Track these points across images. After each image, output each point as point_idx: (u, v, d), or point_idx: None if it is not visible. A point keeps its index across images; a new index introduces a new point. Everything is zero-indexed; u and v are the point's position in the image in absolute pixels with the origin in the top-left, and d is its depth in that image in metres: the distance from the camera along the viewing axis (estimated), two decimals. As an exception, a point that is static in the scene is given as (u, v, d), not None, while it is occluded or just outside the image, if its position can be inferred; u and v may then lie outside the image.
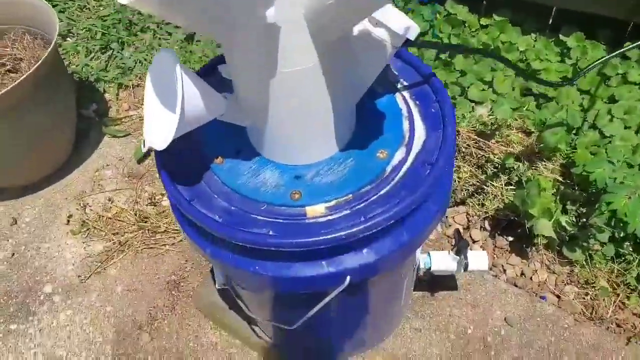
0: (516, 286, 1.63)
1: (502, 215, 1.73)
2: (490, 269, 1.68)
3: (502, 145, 1.73)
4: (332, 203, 0.86)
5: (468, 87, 2.00)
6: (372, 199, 0.84)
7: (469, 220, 1.79)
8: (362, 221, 0.81)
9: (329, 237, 0.79)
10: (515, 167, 1.67)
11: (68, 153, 2.19)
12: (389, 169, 0.90)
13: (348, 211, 0.83)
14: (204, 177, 0.93)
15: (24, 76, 1.65)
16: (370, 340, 1.30)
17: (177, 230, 1.88)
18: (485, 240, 1.74)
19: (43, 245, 1.92)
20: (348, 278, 0.86)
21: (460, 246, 1.33)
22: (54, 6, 2.99)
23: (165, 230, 1.88)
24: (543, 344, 1.47)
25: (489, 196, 1.74)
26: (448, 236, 1.76)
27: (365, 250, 0.86)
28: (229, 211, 0.86)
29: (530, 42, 2.06)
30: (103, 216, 1.95)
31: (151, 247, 1.85)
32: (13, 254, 1.90)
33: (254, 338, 1.40)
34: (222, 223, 0.84)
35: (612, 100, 1.83)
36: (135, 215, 1.90)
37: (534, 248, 1.66)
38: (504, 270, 1.68)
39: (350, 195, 0.86)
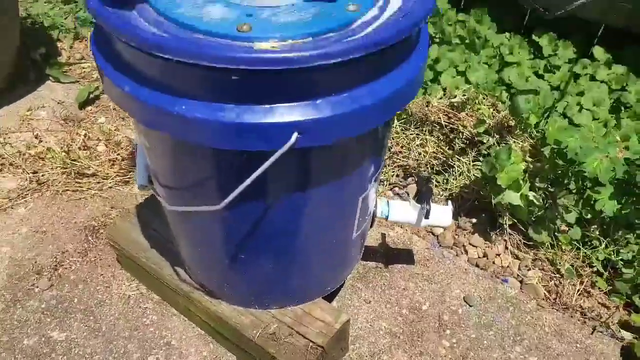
0: (477, 267, 1.47)
1: (467, 194, 1.60)
2: (451, 248, 1.53)
3: (472, 118, 1.63)
4: (287, 42, 0.69)
5: (441, 73, 1.93)
6: (333, 45, 0.68)
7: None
8: (320, 55, 0.65)
9: (279, 59, 0.63)
10: (485, 141, 1.56)
11: (0, 84, 1.94)
12: (358, 22, 0.75)
13: (305, 53, 0.67)
14: (136, 8, 0.75)
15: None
16: (312, 287, 1.10)
17: (107, 175, 1.64)
18: (447, 221, 1.59)
19: (-58, 177, 1.64)
20: (295, 135, 0.69)
21: (422, 193, 1.17)
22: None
23: (94, 174, 1.64)
24: (503, 326, 1.31)
25: (455, 173, 1.62)
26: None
27: (319, 101, 0.69)
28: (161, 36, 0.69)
29: (505, 40, 2.03)
30: (24, 153, 1.70)
31: (74, 190, 1.61)
32: None
33: (175, 282, 1.17)
34: (155, 34, 0.66)
35: (581, 94, 1.78)
36: (64, 154, 1.66)
37: (498, 231, 1.52)
38: (466, 251, 1.53)
39: (310, 38, 0.71)
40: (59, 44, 2.26)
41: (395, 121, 1.73)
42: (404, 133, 1.71)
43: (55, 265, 1.40)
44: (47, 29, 2.28)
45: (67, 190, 1.61)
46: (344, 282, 1.39)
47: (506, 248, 1.51)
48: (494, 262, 1.49)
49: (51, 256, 1.42)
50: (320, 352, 1.04)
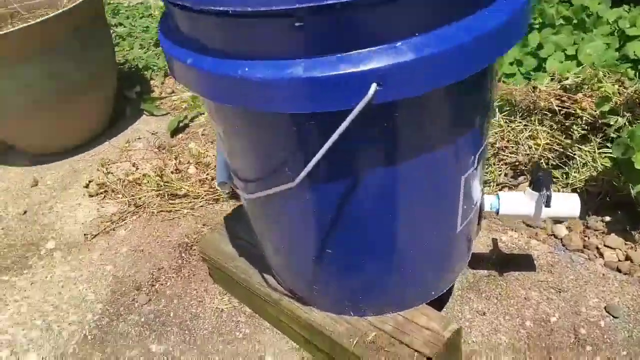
0: (619, 271, 1.22)
1: (594, 188, 1.35)
2: (580, 251, 1.28)
3: (593, 99, 1.39)
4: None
5: (546, 60, 1.72)
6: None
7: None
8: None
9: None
10: (612, 122, 1.32)
11: (102, 124, 2.10)
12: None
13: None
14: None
15: (61, 10, 1.58)
16: (413, 289, 0.95)
17: (198, 194, 1.65)
18: (574, 222, 1.35)
19: (57, 205, 1.76)
20: (373, 87, 0.58)
21: (540, 178, 0.99)
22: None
23: (185, 194, 1.66)
24: (664, 342, 1.04)
25: (576, 165, 1.38)
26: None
27: (399, 44, 0.58)
28: None
29: (623, 13, 1.77)
30: (124, 180, 1.77)
31: (168, 211, 1.63)
32: (25, 212, 1.75)
33: (264, 290, 1.09)
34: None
35: None
36: (157, 178, 1.71)
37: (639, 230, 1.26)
38: (600, 254, 1.27)
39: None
40: (151, 82, 2.41)
41: (497, 113, 1.54)
42: (509, 126, 1.52)
43: (152, 282, 1.39)
44: (141, 70, 2.46)
45: (162, 211, 1.63)
46: (451, 291, 1.21)
47: (655, 249, 1.24)
48: None
49: (148, 273, 1.42)
50: (428, 364, 0.89)
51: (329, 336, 0.97)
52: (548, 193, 0.96)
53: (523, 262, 1.26)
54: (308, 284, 0.98)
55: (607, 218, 1.32)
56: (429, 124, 0.70)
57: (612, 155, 1.30)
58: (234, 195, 1.61)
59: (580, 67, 1.58)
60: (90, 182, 1.82)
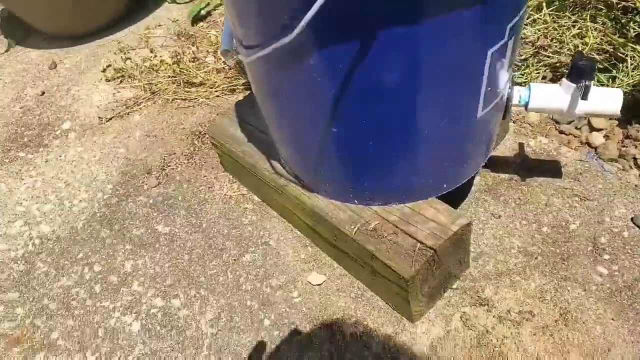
0: (654, 183, 1.12)
1: (641, 94, 1.22)
2: (615, 161, 1.19)
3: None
4: None
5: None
6: None
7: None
8: None
9: None
10: (674, 19, 1.16)
11: (123, 9, 2.01)
12: None
13: None
14: None
15: None
16: (423, 179, 0.89)
17: (214, 84, 1.59)
18: (612, 130, 1.24)
19: (74, 88, 1.73)
20: None
21: (580, 67, 0.87)
22: None
23: (201, 83, 1.60)
24: (691, 256, 0.97)
25: (627, 68, 1.24)
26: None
27: None
28: None
29: None
30: (141, 66, 1.72)
31: (183, 99, 1.58)
32: (43, 93, 1.73)
33: (271, 175, 1.05)
34: None
35: None
36: (175, 65, 1.65)
37: (687, 140, 1.14)
38: (637, 165, 1.17)
39: None
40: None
41: (544, 8, 1.38)
42: (555, 22, 1.36)
43: (163, 166, 1.38)
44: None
45: (177, 98, 1.59)
46: (467, 192, 1.15)
47: (698, 163, 1.13)
48: (678, 180, 1.12)
49: (160, 158, 1.41)
50: (431, 255, 0.85)
51: (330, 222, 0.94)
52: (587, 83, 0.85)
53: (549, 168, 1.18)
54: (313, 167, 0.93)
55: (651, 128, 1.20)
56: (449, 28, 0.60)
57: (668, 57, 1.15)
58: (248, 87, 1.54)
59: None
60: (108, 66, 1.78)
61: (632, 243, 1.01)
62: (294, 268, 1.08)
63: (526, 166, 1.19)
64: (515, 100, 0.95)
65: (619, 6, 1.26)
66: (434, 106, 0.75)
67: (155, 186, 1.33)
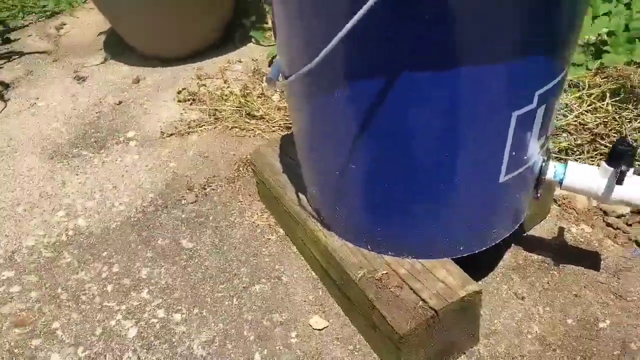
0: None
1: None
2: (663, 265, 1.09)
3: None
4: None
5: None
6: None
7: None
8: None
9: None
10: None
11: (212, 42, 2.20)
12: None
13: None
14: None
15: None
16: (438, 237, 0.87)
17: (273, 118, 1.66)
18: (665, 232, 1.15)
19: (147, 103, 1.88)
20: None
21: (619, 151, 0.83)
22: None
23: (262, 117, 1.68)
24: None
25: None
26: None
27: None
28: None
29: None
30: (212, 94, 1.84)
31: (242, 128, 1.67)
32: (120, 102, 1.89)
33: (295, 207, 1.07)
34: None
35: None
36: (242, 97, 1.75)
37: None
38: (687, 274, 1.07)
39: None
40: (267, 15, 2.45)
41: (607, 98, 1.34)
42: (617, 113, 1.32)
43: (205, 186, 1.44)
44: (260, 1, 2.50)
45: (236, 127, 1.67)
46: (494, 266, 1.10)
47: None
48: None
49: (204, 177, 1.47)
50: (431, 316, 0.81)
51: (339, 263, 0.93)
52: (623, 168, 0.81)
53: (586, 259, 1.10)
54: (331, 204, 0.94)
55: None
56: (473, 27, 0.61)
57: None
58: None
59: None
60: (183, 89, 1.92)
61: (667, 357, 0.91)
62: (299, 308, 1.07)
63: (562, 252, 1.13)
64: (549, 175, 0.92)
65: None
66: (453, 160, 0.75)
67: (192, 202, 1.39)
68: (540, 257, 1.12)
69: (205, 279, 1.16)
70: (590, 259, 1.10)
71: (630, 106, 1.30)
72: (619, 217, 1.23)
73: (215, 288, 1.14)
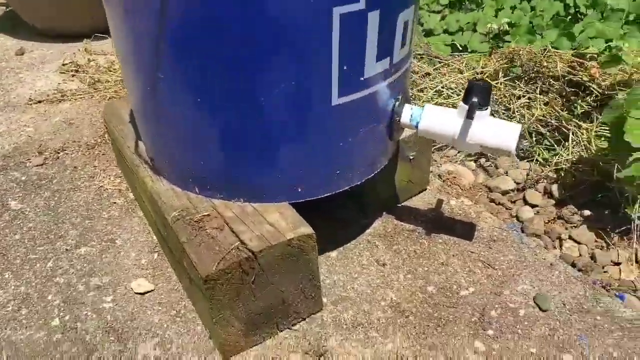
0: (573, 266, 0.93)
1: (581, 174, 1.07)
2: (538, 237, 1.01)
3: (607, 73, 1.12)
4: None
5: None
6: None
7: (528, 179, 1.15)
8: None
9: None
10: (620, 96, 1.04)
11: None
12: None
13: None
14: None
15: None
16: (268, 176, 0.74)
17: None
18: (545, 207, 1.08)
19: (25, 73, 1.70)
20: None
21: (472, 87, 0.74)
22: None
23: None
24: (593, 353, 0.75)
25: (569, 145, 1.11)
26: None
27: None
28: None
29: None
30: (100, 67, 1.68)
31: (121, 97, 1.51)
32: (-7, 71, 1.70)
33: (131, 155, 0.91)
34: None
35: None
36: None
37: (624, 230, 0.96)
38: (560, 245, 0.99)
39: None
40: None
41: (501, 77, 1.29)
42: (509, 91, 1.27)
43: (59, 150, 1.27)
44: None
45: (115, 97, 1.52)
46: (358, 233, 0.98)
47: (633, 260, 0.94)
48: (604, 270, 0.93)
49: (62, 142, 1.30)
50: (247, 257, 0.67)
51: (160, 207, 0.78)
52: (474, 100, 0.72)
53: (460, 229, 1.00)
54: (154, 141, 0.80)
55: (587, 212, 1.03)
56: None
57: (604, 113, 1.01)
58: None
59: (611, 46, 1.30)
60: (70, 62, 1.75)
61: (526, 323, 0.80)
62: (126, 272, 0.90)
63: (437, 223, 1.03)
64: (405, 119, 0.82)
65: (569, 82, 1.15)
66: (272, 72, 0.63)
67: (37, 165, 1.21)
68: (412, 226, 1.01)
69: (22, 240, 0.98)
70: (464, 230, 1.00)
71: (521, 84, 1.25)
72: (503, 193, 1.16)
73: (31, 250, 0.95)
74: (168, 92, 0.70)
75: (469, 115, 0.73)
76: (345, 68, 0.67)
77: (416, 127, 0.82)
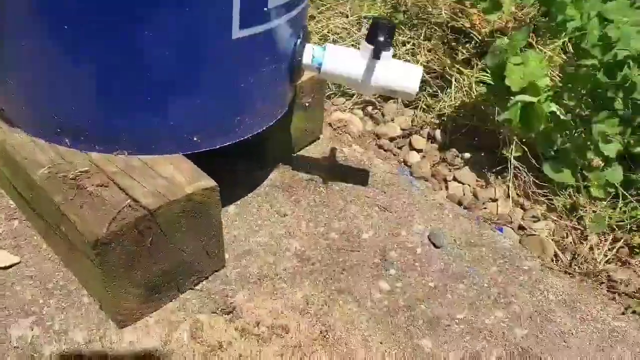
0: (460, 205, 1.00)
1: (462, 119, 1.14)
2: (426, 179, 1.06)
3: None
4: None
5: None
6: None
7: (413, 125, 1.19)
8: None
9: None
10: (499, 43, 1.11)
11: None
12: None
13: None
14: None
15: None
16: (156, 120, 0.65)
17: None
18: (430, 151, 1.13)
19: None
20: None
21: (375, 23, 0.73)
22: None
23: None
24: (481, 282, 0.82)
25: (451, 91, 1.17)
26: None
27: None
28: None
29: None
30: None
31: None
32: None
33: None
34: None
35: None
36: None
37: (500, 169, 1.05)
38: (446, 186, 1.06)
39: None
40: None
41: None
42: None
43: None
44: None
45: None
46: (256, 185, 0.94)
47: (508, 195, 1.04)
48: (485, 207, 1.02)
49: None
50: (143, 216, 0.59)
51: (20, 164, 0.65)
52: (379, 38, 0.71)
53: (355, 176, 1.01)
54: (5, 86, 0.65)
55: (467, 155, 1.11)
56: None
57: (490, 81, 1.09)
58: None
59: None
60: None
61: (424, 260, 0.85)
62: (-19, 244, 0.75)
63: (332, 171, 1.02)
64: (307, 59, 0.78)
65: (450, 28, 1.20)
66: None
67: None
68: (308, 175, 0.99)
69: None
70: (359, 176, 1.01)
71: (405, 30, 1.27)
72: (391, 140, 1.19)
73: None
74: (24, 15, 0.56)
75: (375, 56, 0.71)
76: (243, -1, 0.59)
77: (318, 68, 0.78)
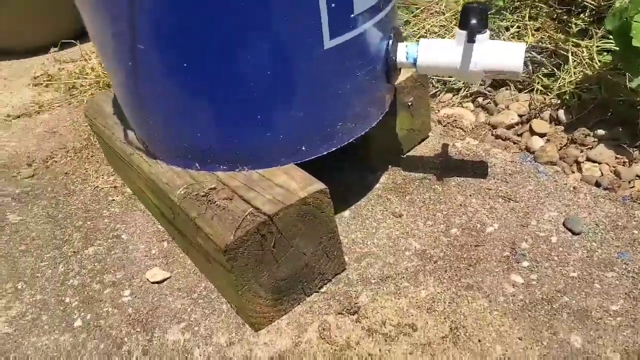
0: (598, 186, 0.90)
1: (587, 94, 1.03)
2: (554, 164, 0.97)
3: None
4: None
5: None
6: None
7: (531, 109, 1.11)
8: None
9: None
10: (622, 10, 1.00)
11: (70, 33, 1.97)
12: None
13: None
14: None
15: None
16: (268, 137, 0.70)
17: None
18: (555, 134, 1.04)
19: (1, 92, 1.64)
20: None
21: (466, 8, 0.70)
22: None
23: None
24: (635, 267, 0.72)
25: (569, 67, 1.07)
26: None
27: None
28: None
29: None
30: (71, 72, 1.62)
31: (99, 100, 1.46)
32: (-35, 93, 1.64)
33: (121, 145, 0.87)
34: None
35: None
36: (100, 69, 1.55)
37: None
38: (579, 169, 0.96)
39: None
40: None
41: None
42: (495, 24, 1.22)
43: (47, 159, 1.22)
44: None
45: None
46: (367, 189, 0.95)
47: (656, 170, 0.91)
48: (632, 186, 0.90)
49: (49, 151, 1.25)
50: (263, 221, 0.63)
51: (163, 189, 0.74)
52: (472, 22, 0.68)
53: (472, 169, 0.97)
54: (145, 124, 0.76)
55: (601, 132, 1.00)
56: None
57: (615, 47, 0.98)
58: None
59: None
60: (41, 74, 1.69)
61: (561, 249, 0.77)
62: (138, 264, 0.86)
63: (446, 166, 0.99)
64: (401, 57, 0.78)
65: (561, 2, 1.11)
66: (257, 21, 0.59)
67: (27, 177, 1.16)
68: (421, 174, 0.98)
69: (28, 250, 0.94)
70: (476, 169, 0.97)
71: (507, 15, 1.21)
72: (508, 128, 1.12)
73: (39, 258, 0.91)
74: (150, 64, 0.65)
75: (470, 39, 0.69)
76: (333, 5, 0.62)
77: (414, 64, 0.78)
